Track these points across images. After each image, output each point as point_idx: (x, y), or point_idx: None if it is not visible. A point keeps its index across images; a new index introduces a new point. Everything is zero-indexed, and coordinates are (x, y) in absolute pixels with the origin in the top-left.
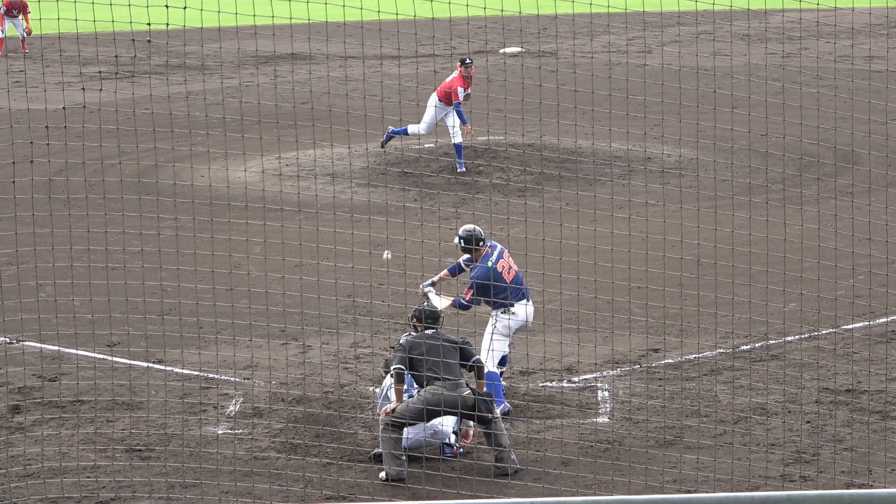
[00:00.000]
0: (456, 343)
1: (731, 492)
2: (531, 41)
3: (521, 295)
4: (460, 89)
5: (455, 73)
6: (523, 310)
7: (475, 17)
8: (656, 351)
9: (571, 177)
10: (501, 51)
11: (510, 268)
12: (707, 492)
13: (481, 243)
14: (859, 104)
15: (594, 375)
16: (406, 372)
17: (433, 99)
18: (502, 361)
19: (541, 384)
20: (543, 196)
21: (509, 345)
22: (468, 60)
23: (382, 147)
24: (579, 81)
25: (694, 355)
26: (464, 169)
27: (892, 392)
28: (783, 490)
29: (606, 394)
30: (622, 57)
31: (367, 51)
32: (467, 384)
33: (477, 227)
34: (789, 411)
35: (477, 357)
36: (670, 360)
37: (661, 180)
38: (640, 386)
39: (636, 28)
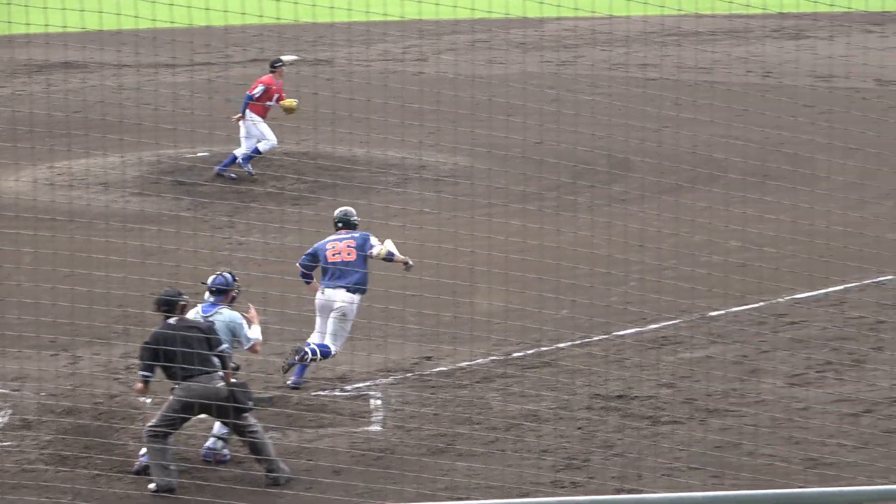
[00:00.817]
0: (203, 329)
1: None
2: (307, 49)
3: (333, 282)
4: (260, 86)
5: (265, 76)
6: (329, 293)
7: (251, 25)
8: (429, 359)
9: (346, 185)
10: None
11: (337, 253)
12: (479, 498)
13: (339, 225)
14: (633, 112)
15: (367, 384)
16: (150, 377)
17: (249, 116)
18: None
19: (313, 393)
20: (318, 205)
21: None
22: (277, 62)
23: (221, 173)
24: (355, 90)
25: (467, 363)
26: (251, 170)
27: (662, 397)
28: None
29: (379, 402)
30: (398, 65)
31: (142, 59)
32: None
33: (342, 211)
34: (561, 417)
35: (223, 348)
36: (443, 368)
37: (435, 188)
38: (413, 394)
39: (412, 36)
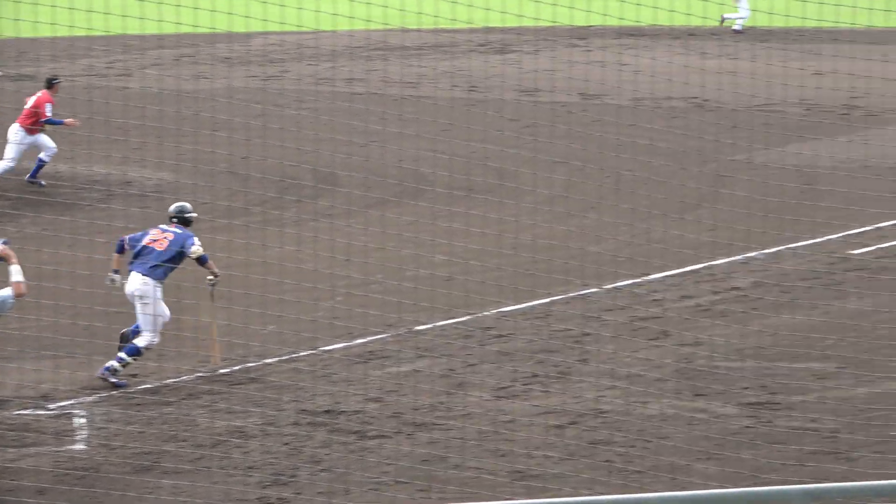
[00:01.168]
0: None
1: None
2: (10, 64)
3: (134, 264)
4: (48, 105)
5: (39, 94)
6: (130, 277)
7: None
8: (135, 376)
9: (50, 202)
10: None
11: (154, 240)
12: None
13: (173, 220)
14: (340, 126)
15: (71, 402)
16: None
17: (16, 131)
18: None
19: (15, 412)
20: (20, 221)
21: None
22: (55, 79)
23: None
24: (59, 105)
25: (173, 379)
26: (44, 184)
27: (369, 412)
28: None
29: (83, 420)
30: (102, 80)
31: None
32: None
33: (178, 206)
34: (268, 433)
35: None
36: (149, 385)
37: (141, 204)
38: (118, 412)
39: (117, 51)
